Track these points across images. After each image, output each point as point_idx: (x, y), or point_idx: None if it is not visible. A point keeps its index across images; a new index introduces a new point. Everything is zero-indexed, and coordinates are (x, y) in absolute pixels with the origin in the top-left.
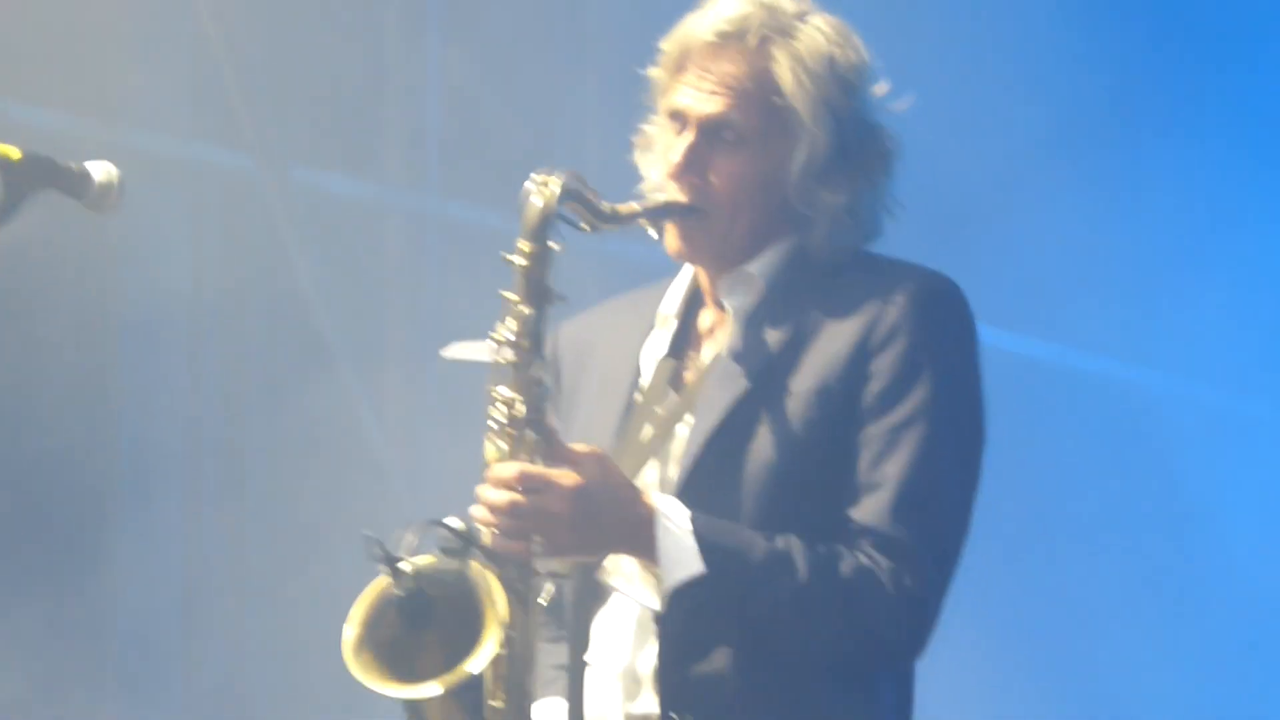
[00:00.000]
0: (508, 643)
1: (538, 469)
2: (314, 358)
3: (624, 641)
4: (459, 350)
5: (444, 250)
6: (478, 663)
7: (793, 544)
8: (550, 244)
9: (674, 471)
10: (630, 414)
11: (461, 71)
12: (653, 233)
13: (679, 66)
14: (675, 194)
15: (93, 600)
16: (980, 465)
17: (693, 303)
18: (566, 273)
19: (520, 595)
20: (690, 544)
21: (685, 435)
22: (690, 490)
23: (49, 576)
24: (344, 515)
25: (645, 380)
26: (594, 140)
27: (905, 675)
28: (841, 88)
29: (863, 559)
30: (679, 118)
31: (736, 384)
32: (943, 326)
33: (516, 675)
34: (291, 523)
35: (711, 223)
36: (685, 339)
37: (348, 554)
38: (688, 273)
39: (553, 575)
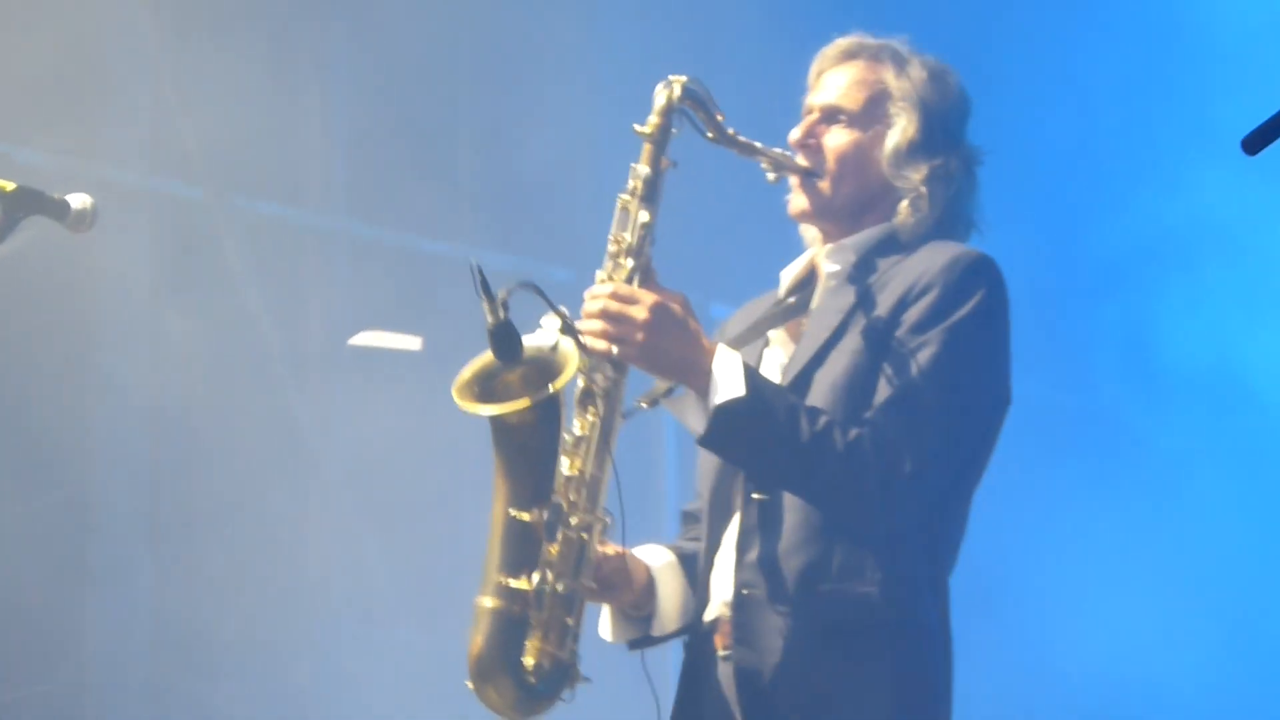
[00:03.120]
0: (590, 429)
1: (627, 286)
2: (250, 346)
3: (732, 538)
4: (364, 339)
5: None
6: (555, 385)
7: (819, 409)
8: (671, 123)
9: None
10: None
11: (364, 111)
12: (770, 176)
13: (812, 85)
14: (799, 159)
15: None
16: (982, 390)
17: (811, 272)
18: None
19: (603, 391)
20: (739, 373)
21: (782, 362)
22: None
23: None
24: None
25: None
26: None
27: (940, 580)
28: (935, 95)
29: (857, 434)
30: (808, 112)
31: (819, 331)
32: (963, 285)
33: (596, 454)
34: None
35: (821, 185)
36: (804, 300)
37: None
38: (805, 255)
39: (650, 399)
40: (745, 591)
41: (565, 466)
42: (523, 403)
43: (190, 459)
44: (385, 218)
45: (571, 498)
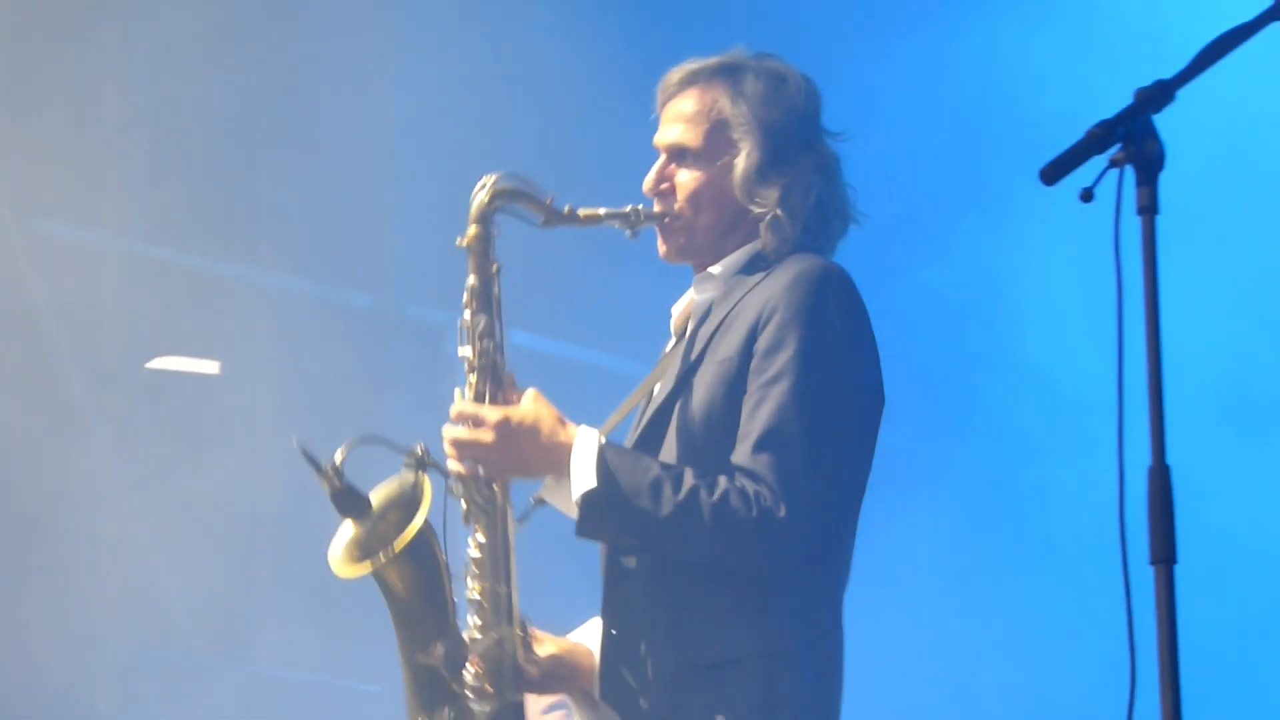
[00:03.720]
0: (482, 548)
1: (472, 407)
2: (48, 369)
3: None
4: (162, 363)
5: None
6: (401, 541)
7: (683, 471)
8: (490, 229)
9: (637, 432)
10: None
11: (164, 131)
12: (627, 233)
13: (660, 115)
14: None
15: None
16: (845, 407)
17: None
18: None
19: (483, 509)
20: (591, 463)
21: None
22: (641, 444)
23: None
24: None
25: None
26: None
27: (815, 606)
28: (774, 109)
29: (732, 484)
30: (659, 152)
31: (684, 363)
32: (804, 305)
33: (494, 570)
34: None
35: (678, 226)
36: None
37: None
38: (689, 290)
39: (538, 504)
40: (613, 632)
41: (471, 589)
42: (379, 559)
43: None
44: (184, 240)
45: (481, 617)
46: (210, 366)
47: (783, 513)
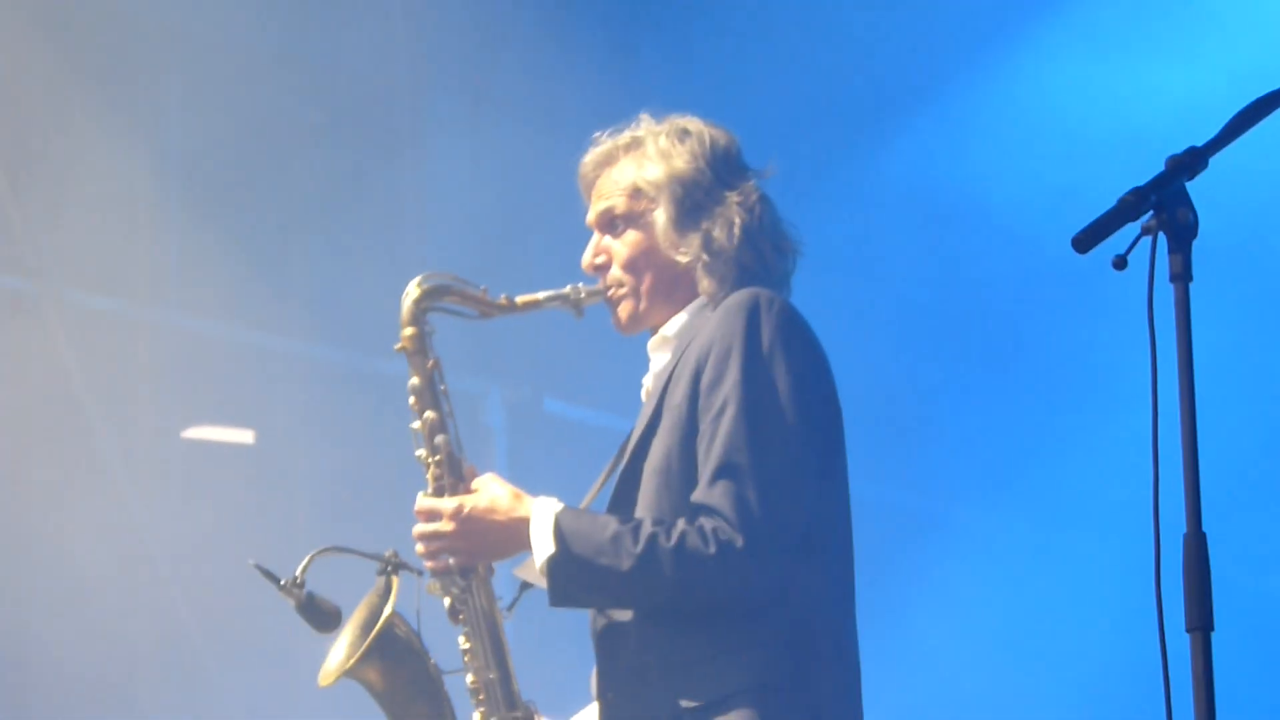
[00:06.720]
0: (469, 638)
1: (429, 501)
2: (82, 439)
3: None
4: (197, 432)
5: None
6: (364, 642)
7: (641, 522)
8: (425, 328)
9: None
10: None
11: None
12: (575, 315)
13: (586, 201)
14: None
15: None
16: (794, 426)
17: None
18: None
19: (461, 600)
20: (549, 530)
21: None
22: (615, 507)
23: None
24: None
25: None
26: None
27: (803, 633)
28: (679, 160)
29: (690, 524)
30: (592, 230)
31: (642, 423)
32: (736, 332)
33: (484, 658)
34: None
35: (623, 295)
36: None
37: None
38: None
39: (525, 588)
40: (609, 695)
41: (468, 680)
42: (347, 662)
43: (22, 553)
44: (214, 309)
45: (481, 707)
46: (244, 435)
47: (741, 543)
